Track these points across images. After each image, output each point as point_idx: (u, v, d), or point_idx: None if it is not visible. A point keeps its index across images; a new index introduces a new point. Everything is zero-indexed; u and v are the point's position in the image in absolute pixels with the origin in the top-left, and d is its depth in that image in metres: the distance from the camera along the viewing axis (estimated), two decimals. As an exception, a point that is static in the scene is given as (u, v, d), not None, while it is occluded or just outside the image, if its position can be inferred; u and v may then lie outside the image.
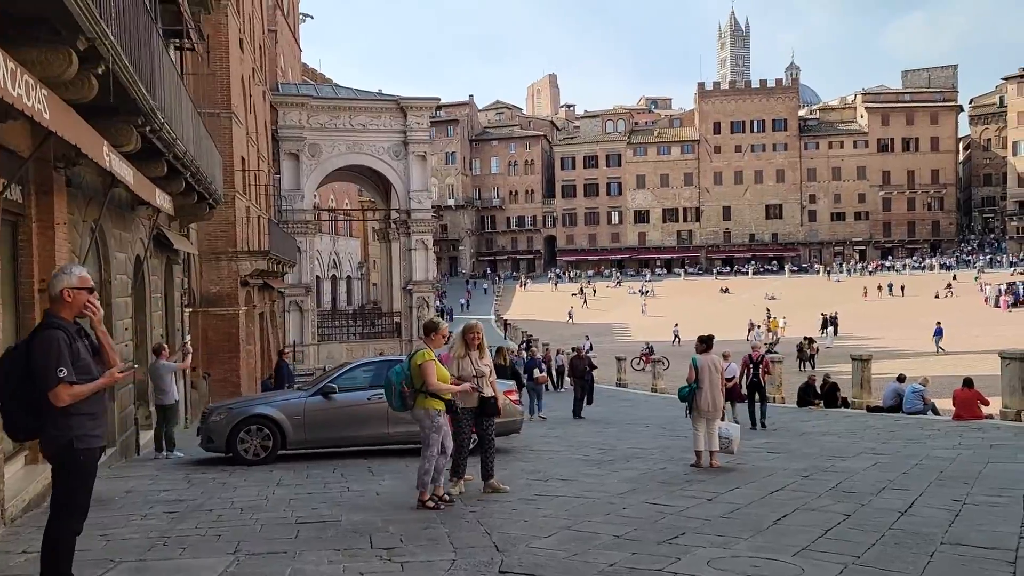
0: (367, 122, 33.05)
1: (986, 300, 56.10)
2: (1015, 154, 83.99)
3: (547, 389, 26.93)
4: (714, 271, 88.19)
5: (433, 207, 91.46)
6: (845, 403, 17.56)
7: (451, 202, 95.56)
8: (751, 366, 14.34)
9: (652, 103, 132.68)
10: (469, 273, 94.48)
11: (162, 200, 9.66)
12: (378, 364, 11.07)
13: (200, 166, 11.54)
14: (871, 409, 16.23)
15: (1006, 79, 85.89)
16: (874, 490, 7.77)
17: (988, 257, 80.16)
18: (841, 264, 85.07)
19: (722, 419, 9.65)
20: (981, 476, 8.73)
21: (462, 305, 70.46)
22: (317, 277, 44.24)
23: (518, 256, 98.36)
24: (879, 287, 67.89)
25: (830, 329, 43.96)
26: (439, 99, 35.83)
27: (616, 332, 57.49)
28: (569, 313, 62.98)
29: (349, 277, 54.99)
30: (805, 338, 34.42)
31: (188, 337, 15.82)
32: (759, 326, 44.55)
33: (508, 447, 11.74)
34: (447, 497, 7.06)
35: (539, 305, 71.10)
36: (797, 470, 9.25)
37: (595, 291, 76.26)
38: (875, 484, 8.13)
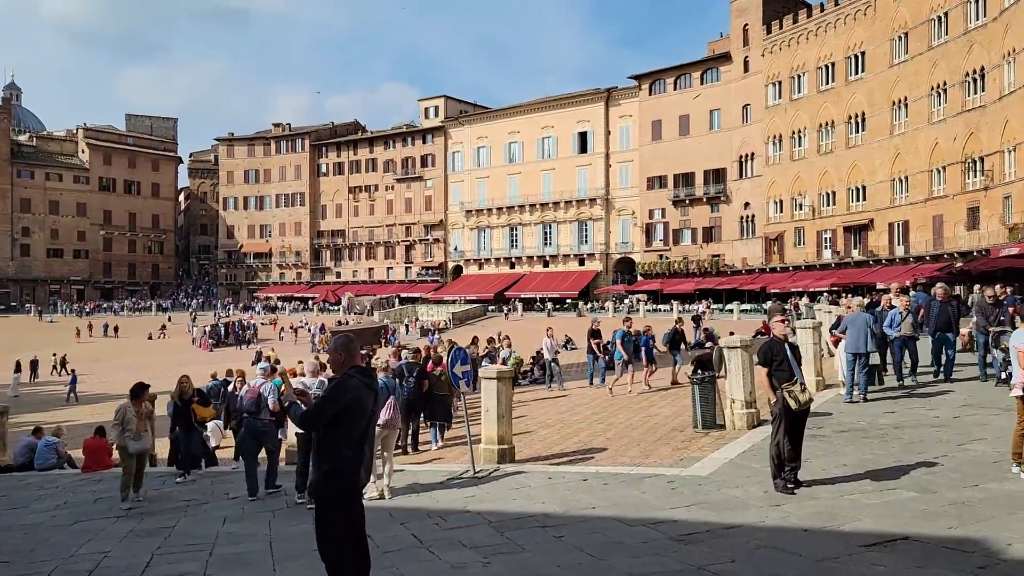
0: None
1: (193, 341, 59.34)
2: (225, 208, 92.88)
3: None
4: None
5: None
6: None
7: None
8: None
9: None
10: None
11: None
12: None
13: None
14: (2, 470, 14.09)
15: (219, 140, 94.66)
16: None
17: (201, 301, 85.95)
18: (57, 303, 79.29)
19: None
20: (35, 551, 7.70)
21: None
22: None
23: None
24: (90, 326, 65.49)
25: (16, 375, 39.43)
26: None
27: None
28: None
29: None
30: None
31: None
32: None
33: None
34: None
35: None
36: None
37: None
38: None
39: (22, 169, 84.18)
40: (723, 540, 6.26)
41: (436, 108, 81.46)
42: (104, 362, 50.38)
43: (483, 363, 20.38)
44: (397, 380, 14.16)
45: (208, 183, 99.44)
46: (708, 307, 49.11)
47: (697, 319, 33.58)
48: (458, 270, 79.09)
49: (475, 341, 22.02)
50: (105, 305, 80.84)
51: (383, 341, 38.00)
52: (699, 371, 12.13)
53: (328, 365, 5.11)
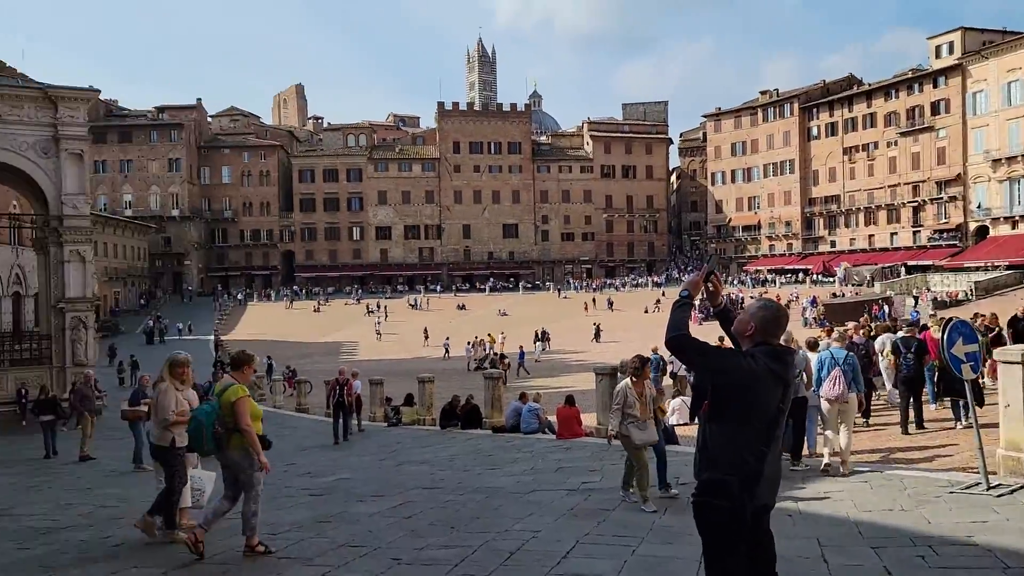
0: (5, 112, 27.93)
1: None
2: (713, 184, 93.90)
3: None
4: (454, 288, 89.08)
5: (154, 217, 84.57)
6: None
7: (175, 212, 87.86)
8: (337, 387, 13.45)
9: (401, 120, 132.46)
10: (197, 290, 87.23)
11: None
12: None
13: None
14: (496, 430, 15.64)
15: (706, 117, 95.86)
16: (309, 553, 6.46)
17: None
18: (570, 282, 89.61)
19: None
20: (480, 519, 7.78)
21: (180, 330, 63.79)
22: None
23: (253, 272, 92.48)
24: (593, 301, 72.35)
25: (539, 344, 45.10)
26: (98, 91, 31.43)
27: (344, 352, 55.36)
28: (377, 331, 61.29)
29: (18, 294, 47.29)
30: (497, 354, 34.57)
31: None
32: (469, 342, 44.52)
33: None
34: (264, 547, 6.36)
35: (270, 325, 66.97)
36: (288, 523, 7.80)
37: (385, 311, 70.53)
38: (319, 547, 6.84)
39: (540, 165, 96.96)
40: None
41: (950, 44, 69.88)
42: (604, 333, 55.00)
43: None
44: (892, 357, 12.92)
45: (697, 160, 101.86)
46: None
47: None
48: (982, 231, 67.03)
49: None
50: (608, 282, 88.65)
51: (867, 315, 33.16)
52: None
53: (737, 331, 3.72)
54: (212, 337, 60.36)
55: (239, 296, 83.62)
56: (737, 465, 3.28)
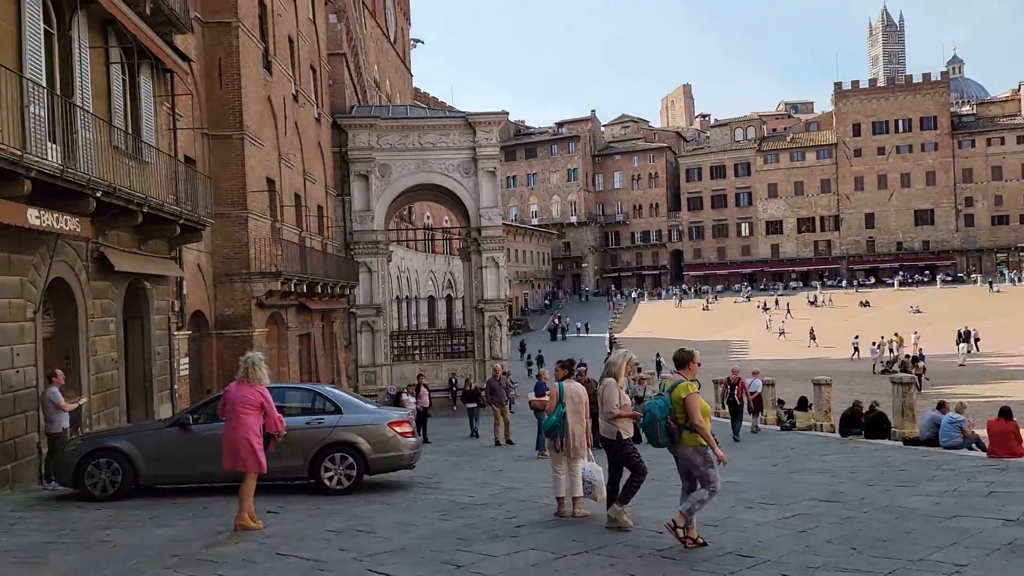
0: (436, 140, 32.86)
1: None
2: None
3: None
4: (855, 283, 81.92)
5: (555, 224, 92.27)
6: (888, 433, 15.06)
7: (573, 219, 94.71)
8: (729, 387, 13.13)
9: (792, 107, 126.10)
10: (592, 290, 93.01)
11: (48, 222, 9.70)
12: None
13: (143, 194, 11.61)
14: (908, 442, 13.78)
15: None
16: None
17: None
18: (1004, 272, 76.45)
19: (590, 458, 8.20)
20: (888, 543, 6.83)
21: (579, 328, 68.42)
22: (407, 297, 44.64)
23: (643, 272, 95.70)
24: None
25: (963, 346, 39.15)
26: (507, 113, 35.00)
27: (733, 351, 54.48)
28: (781, 330, 59.67)
29: (450, 296, 55.26)
30: (908, 356, 30.72)
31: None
32: (875, 343, 40.32)
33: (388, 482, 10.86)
34: (700, 540, 6.59)
35: (660, 323, 68.62)
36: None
37: (788, 308, 67.76)
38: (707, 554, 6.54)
39: (962, 139, 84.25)
40: None
41: None
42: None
43: None
44: None
45: None
46: None
47: None
48: None
49: None
50: (1059, 272, 73.71)
51: None
52: None
53: None
54: (607, 335, 63.66)
55: (632, 295, 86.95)
56: None
